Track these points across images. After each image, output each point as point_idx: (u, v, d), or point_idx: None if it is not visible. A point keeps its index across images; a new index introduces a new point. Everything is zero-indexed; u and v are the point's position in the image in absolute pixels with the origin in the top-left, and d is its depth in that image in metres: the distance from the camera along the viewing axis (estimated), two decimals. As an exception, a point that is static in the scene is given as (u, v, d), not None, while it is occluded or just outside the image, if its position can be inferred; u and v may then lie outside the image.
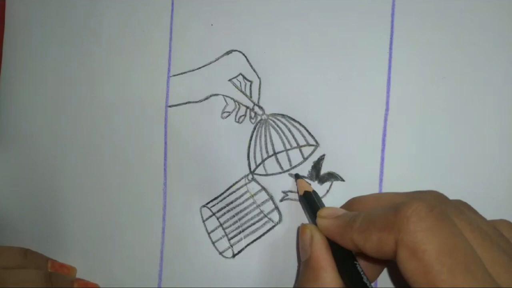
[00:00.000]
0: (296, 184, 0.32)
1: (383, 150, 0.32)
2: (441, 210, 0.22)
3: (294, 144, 0.33)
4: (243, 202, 0.34)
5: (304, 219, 0.32)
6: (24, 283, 0.32)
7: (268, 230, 0.33)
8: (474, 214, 0.25)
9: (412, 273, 0.21)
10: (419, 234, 0.21)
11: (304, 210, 0.32)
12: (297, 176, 0.32)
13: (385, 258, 0.23)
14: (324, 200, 0.32)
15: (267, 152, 0.33)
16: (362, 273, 0.25)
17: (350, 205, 0.29)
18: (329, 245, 0.26)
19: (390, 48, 0.32)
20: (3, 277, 0.31)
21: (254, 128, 0.34)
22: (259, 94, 0.34)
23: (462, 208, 0.25)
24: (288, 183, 0.33)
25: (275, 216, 0.33)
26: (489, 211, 0.30)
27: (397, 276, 0.30)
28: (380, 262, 0.27)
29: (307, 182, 0.32)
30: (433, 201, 0.24)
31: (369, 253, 0.24)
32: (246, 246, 0.33)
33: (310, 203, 0.30)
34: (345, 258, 0.26)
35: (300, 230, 0.28)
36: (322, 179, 0.32)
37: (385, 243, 0.22)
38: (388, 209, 0.23)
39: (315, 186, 0.32)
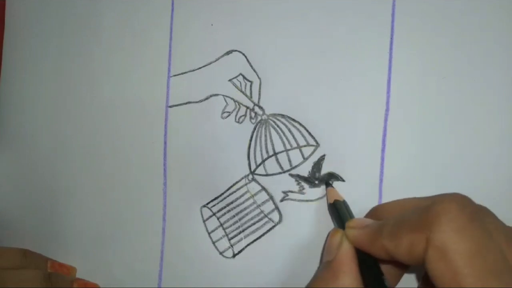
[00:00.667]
0: (326, 193, 0.32)
1: (383, 150, 0.32)
2: (472, 210, 0.22)
3: (294, 144, 0.33)
4: (243, 202, 0.34)
5: (304, 219, 0.32)
6: (24, 283, 0.32)
7: (268, 230, 0.33)
8: (496, 218, 0.25)
9: (440, 274, 0.21)
10: (450, 233, 0.21)
11: (332, 219, 0.32)
12: (327, 185, 0.32)
13: (416, 262, 0.22)
14: (324, 201, 0.32)
15: (267, 152, 0.33)
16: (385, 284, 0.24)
17: (374, 212, 0.29)
18: (356, 255, 0.26)
19: (391, 48, 0.32)
20: (3, 277, 0.31)
21: (254, 128, 0.34)
22: (259, 94, 0.34)
23: (486, 211, 0.24)
24: (288, 183, 0.33)
25: (275, 216, 0.33)
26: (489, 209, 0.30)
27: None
28: (401, 268, 0.27)
29: (337, 191, 0.32)
30: (464, 201, 0.24)
31: (400, 258, 0.23)
32: (246, 246, 0.33)
33: (340, 212, 0.30)
34: (372, 270, 0.25)
35: (331, 232, 0.28)
36: (322, 179, 0.32)
37: (416, 244, 0.22)
38: (418, 210, 0.23)
39: (316, 189, 0.32)
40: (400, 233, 0.23)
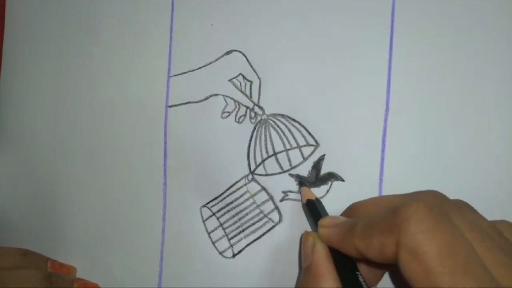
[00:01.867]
0: (300, 192, 0.32)
1: (383, 150, 0.32)
2: (440, 210, 0.22)
3: (294, 144, 0.33)
4: (243, 202, 0.34)
5: (304, 219, 0.32)
6: (24, 283, 0.32)
7: (268, 230, 0.33)
8: (474, 213, 0.25)
9: (414, 275, 0.21)
10: (419, 235, 0.21)
11: (307, 218, 0.32)
12: (300, 184, 0.32)
13: (388, 262, 0.23)
14: (324, 200, 0.32)
15: (267, 152, 0.33)
16: (363, 282, 0.25)
17: (350, 211, 0.29)
18: (330, 254, 0.26)
19: (390, 48, 0.32)
20: (3, 277, 0.31)
21: (254, 128, 0.34)
22: (259, 94, 0.34)
23: (462, 207, 0.25)
24: (288, 183, 0.33)
25: (275, 216, 0.33)
26: (489, 211, 0.30)
27: (396, 279, 0.30)
28: (381, 267, 0.27)
29: (310, 190, 0.32)
30: (432, 201, 0.24)
31: (371, 258, 0.23)
32: (246, 246, 0.33)
33: (313, 211, 0.30)
34: (346, 267, 0.26)
35: (303, 237, 0.28)
36: (322, 179, 0.32)
37: (386, 246, 0.22)
38: (388, 212, 0.23)
39: (315, 189, 0.32)
40: (371, 235, 0.23)
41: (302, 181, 0.33)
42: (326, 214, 0.30)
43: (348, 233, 0.25)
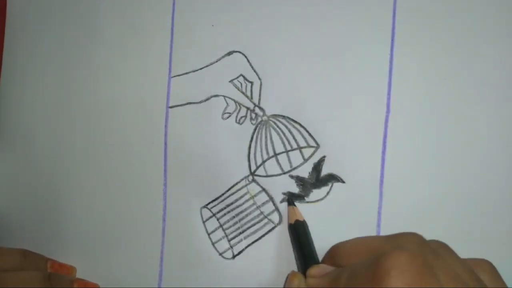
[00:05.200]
0: (287, 211, 0.33)
1: (383, 152, 0.32)
2: (422, 261, 0.22)
3: (295, 146, 0.33)
4: (243, 203, 0.34)
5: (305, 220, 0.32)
6: (24, 284, 0.32)
7: (268, 231, 0.33)
8: (451, 257, 0.25)
9: None
10: None
11: (291, 239, 0.32)
12: (289, 202, 0.33)
13: None
14: (324, 202, 0.32)
15: (267, 153, 0.33)
16: None
17: (331, 255, 0.29)
18: None
19: (391, 50, 0.32)
20: (3, 279, 0.31)
21: (255, 129, 0.34)
22: (259, 95, 0.34)
23: (440, 251, 0.25)
24: (288, 184, 0.33)
25: (275, 217, 0.33)
26: (489, 212, 0.31)
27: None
28: None
29: (298, 210, 0.32)
30: (414, 248, 0.24)
31: None
32: (246, 247, 0.33)
33: (299, 234, 0.31)
34: None
35: (290, 277, 0.29)
36: (322, 181, 0.32)
37: None
38: (369, 263, 0.23)
39: (316, 190, 0.32)
40: (355, 285, 0.23)
41: (289, 200, 0.33)
42: (310, 239, 0.31)
43: (334, 283, 0.25)
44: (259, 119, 0.34)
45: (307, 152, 0.33)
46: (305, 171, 0.33)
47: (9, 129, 0.38)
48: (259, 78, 0.34)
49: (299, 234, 0.31)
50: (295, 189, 0.33)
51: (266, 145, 0.33)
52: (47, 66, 0.37)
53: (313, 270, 0.28)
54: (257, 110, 0.34)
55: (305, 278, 0.28)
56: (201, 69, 0.35)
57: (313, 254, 0.30)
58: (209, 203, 0.34)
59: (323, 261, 0.29)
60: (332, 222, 0.32)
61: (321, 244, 0.32)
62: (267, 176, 0.33)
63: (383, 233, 0.31)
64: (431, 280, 0.22)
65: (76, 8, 0.37)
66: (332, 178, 0.32)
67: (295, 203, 0.33)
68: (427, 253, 0.24)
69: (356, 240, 0.28)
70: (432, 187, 0.31)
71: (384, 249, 0.24)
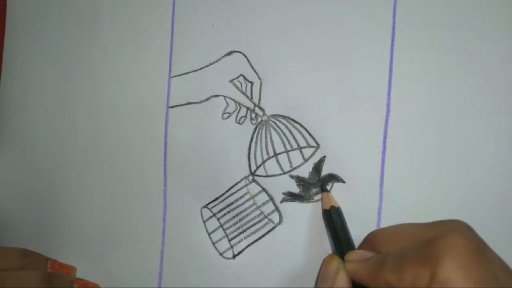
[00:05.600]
0: (321, 197, 0.32)
1: (383, 152, 0.32)
2: (477, 245, 0.21)
3: (295, 146, 0.33)
4: (243, 203, 0.34)
5: (304, 220, 0.32)
6: (24, 284, 0.32)
7: (269, 231, 0.33)
8: (493, 252, 0.24)
9: None
10: (455, 271, 0.21)
11: (325, 225, 0.32)
12: (322, 189, 0.32)
13: None
14: (324, 202, 0.32)
15: (267, 153, 0.33)
16: None
17: (369, 243, 0.28)
18: (351, 285, 0.26)
19: (391, 50, 0.32)
20: (3, 278, 0.31)
21: (255, 129, 0.34)
22: (259, 95, 0.34)
23: (487, 245, 0.24)
24: (289, 184, 0.33)
25: (275, 217, 0.33)
26: (489, 212, 0.31)
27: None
28: None
29: (332, 196, 0.32)
30: (468, 233, 0.23)
31: None
32: (246, 247, 0.34)
33: (334, 221, 0.30)
34: None
35: (327, 259, 0.28)
36: (322, 181, 0.32)
37: (420, 279, 0.22)
38: (423, 244, 0.22)
39: (317, 191, 0.33)
40: (404, 267, 0.22)
41: (323, 186, 0.32)
42: (346, 225, 0.30)
43: (378, 267, 0.24)
44: (259, 119, 0.34)
45: (307, 152, 0.33)
46: (305, 171, 0.33)
47: (9, 129, 0.38)
48: (259, 78, 0.34)
49: (334, 220, 0.30)
50: (295, 189, 0.33)
51: (266, 145, 0.33)
52: (47, 66, 0.37)
53: (352, 255, 0.27)
54: (257, 110, 0.34)
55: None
56: (201, 69, 0.35)
57: (350, 240, 0.30)
58: (209, 203, 0.34)
59: (361, 248, 0.29)
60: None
61: (322, 243, 0.32)
62: (267, 176, 0.33)
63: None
64: (485, 264, 0.21)
65: (76, 8, 0.37)
66: (333, 178, 0.32)
67: (295, 202, 0.33)
68: (480, 242, 0.23)
69: (397, 227, 0.28)
70: (432, 187, 0.31)
71: (430, 235, 0.23)
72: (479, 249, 0.21)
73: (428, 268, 0.21)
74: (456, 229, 0.24)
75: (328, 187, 0.32)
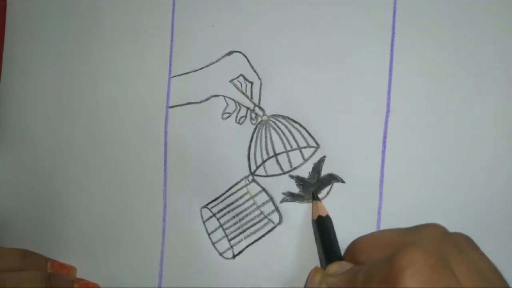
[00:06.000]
0: (312, 206, 0.32)
1: (383, 152, 0.32)
2: (437, 258, 0.21)
3: (295, 146, 0.33)
4: (243, 203, 0.34)
5: (304, 220, 0.32)
6: (24, 284, 0.32)
7: (269, 231, 0.33)
8: (475, 251, 0.24)
9: None
10: None
11: (314, 233, 0.32)
12: (313, 197, 0.32)
13: None
14: (324, 202, 0.32)
15: (267, 153, 0.33)
16: None
17: (351, 250, 0.29)
18: None
19: (391, 50, 0.32)
20: (3, 279, 0.31)
21: (255, 129, 0.34)
22: (259, 95, 0.34)
23: (462, 245, 0.24)
24: (288, 184, 0.33)
25: (275, 217, 0.33)
26: (489, 212, 0.31)
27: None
28: None
29: (323, 205, 0.32)
30: (430, 244, 0.24)
31: None
32: (246, 247, 0.34)
33: (321, 231, 0.31)
34: None
35: (312, 272, 0.29)
36: (322, 181, 0.32)
37: None
38: (385, 261, 0.23)
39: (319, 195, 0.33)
40: (370, 284, 0.23)
41: (314, 194, 0.32)
42: (334, 234, 0.30)
43: (352, 282, 0.25)
44: (259, 119, 0.34)
45: (307, 152, 0.33)
46: (305, 171, 0.33)
47: (9, 129, 0.38)
48: (259, 78, 0.34)
49: (321, 229, 0.31)
50: (295, 189, 0.33)
51: (266, 145, 0.33)
52: (47, 66, 0.37)
53: (332, 268, 0.28)
54: (257, 110, 0.34)
55: None
56: (201, 69, 0.35)
57: (334, 250, 0.30)
58: (209, 203, 0.34)
59: (345, 257, 0.29)
60: (333, 222, 0.32)
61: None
62: (267, 176, 0.33)
63: (383, 233, 0.31)
64: (448, 278, 0.21)
65: (76, 8, 0.37)
66: (332, 178, 0.32)
67: (295, 202, 0.33)
68: (448, 246, 0.23)
69: (376, 234, 0.28)
70: (432, 187, 0.31)
71: (405, 242, 0.23)
72: (439, 262, 0.21)
73: (390, 286, 0.21)
74: (418, 241, 0.24)
75: (328, 188, 0.32)
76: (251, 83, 0.34)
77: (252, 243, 0.33)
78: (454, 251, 0.23)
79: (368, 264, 0.25)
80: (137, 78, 0.36)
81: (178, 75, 0.35)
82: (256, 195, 0.34)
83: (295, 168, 0.33)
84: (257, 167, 0.34)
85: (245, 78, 0.34)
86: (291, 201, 0.33)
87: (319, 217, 0.31)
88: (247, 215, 0.34)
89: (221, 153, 0.34)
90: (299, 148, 0.33)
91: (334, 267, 0.28)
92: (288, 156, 0.33)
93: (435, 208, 0.31)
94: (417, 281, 0.21)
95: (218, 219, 0.34)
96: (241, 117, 0.34)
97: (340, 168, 0.32)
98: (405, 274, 0.21)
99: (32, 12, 0.38)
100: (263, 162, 0.33)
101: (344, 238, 0.30)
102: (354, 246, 0.29)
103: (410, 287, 0.21)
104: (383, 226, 0.31)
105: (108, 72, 0.36)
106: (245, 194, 0.34)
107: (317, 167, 0.33)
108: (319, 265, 0.31)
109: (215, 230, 0.34)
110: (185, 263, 0.34)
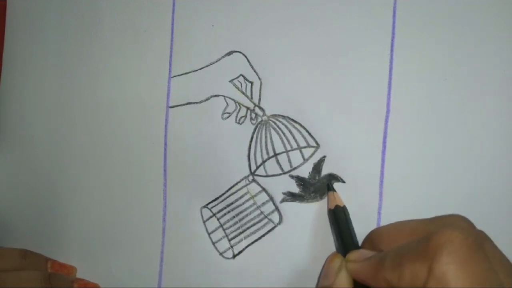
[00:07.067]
0: (327, 196, 0.32)
1: (383, 152, 0.32)
2: (474, 239, 0.21)
3: (295, 145, 0.33)
4: (243, 203, 0.34)
5: (304, 220, 0.32)
6: (24, 284, 0.32)
7: (269, 231, 0.33)
8: (494, 245, 0.24)
9: None
10: (451, 266, 0.21)
11: (330, 224, 0.32)
12: (328, 188, 0.32)
13: None
14: (324, 202, 0.32)
15: (267, 153, 0.33)
16: None
17: (371, 240, 0.29)
18: (353, 284, 0.27)
19: (391, 50, 0.32)
20: (3, 279, 0.31)
21: (255, 129, 0.34)
22: (259, 95, 0.34)
23: (486, 236, 0.24)
24: (288, 184, 0.33)
25: (275, 217, 0.33)
26: (489, 212, 0.31)
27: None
28: None
29: (338, 196, 0.32)
30: (466, 227, 0.23)
31: None
32: (246, 247, 0.34)
33: (339, 220, 0.30)
34: None
35: (330, 257, 0.29)
36: (322, 181, 0.32)
37: (418, 275, 0.22)
38: (420, 240, 0.22)
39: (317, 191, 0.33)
40: (402, 264, 0.23)
41: (329, 185, 0.32)
42: (351, 224, 0.30)
43: (378, 266, 0.24)
44: (259, 119, 0.34)
45: (307, 152, 0.33)
46: (305, 171, 0.33)
47: (9, 129, 0.38)
48: (259, 78, 0.34)
49: (338, 219, 0.30)
50: (295, 189, 0.33)
51: (266, 145, 0.33)
52: (47, 66, 0.37)
53: (353, 255, 0.27)
54: (257, 110, 0.34)
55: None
56: (201, 69, 0.35)
57: (353, 239, 0.30)
58: (209, 203, 0.34)
59: (363, 247, 0.29)
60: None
61: (322, 243, 0.32)
62: (267, 176, 0.33)
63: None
64: (484, 260, 0.21)
65: (76, 8, 0.37)
66: (332, 178, 0.32)
67: (295, 202, 0.33)
68: (477, 235, 0.23)
69: (397, 224, 0.28)
70: (432, 187, 0.31)
71: (429, 230, 0.23)
72: (476, 243, 0.21)
73: (425, 264, 0.21)
74: (453, 224, 0.24)
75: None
76: (251, 83, 0.34)
77: (252, 243, 0.33)
78: (483, 240, 0.23)
79: (396, 248, 0.24)
80: (137, 78, 0.36)
81: (178, 75, 0.35)
82: (256, 195, 0.34)
83: (295, 168, 0.33)
84: (257, 167, 0.34)
85: (245, 78, 0.34)
86: (291, 201, 0.33)
87: (336, 206, 0.31)
88: (247, 215, 0.34)
89: (221, 153, 0.34)
90: (299, 148, 0.33)
91: (355, 254, 0.27)
92: (288, 156, 0.33)
93: (435, 208, 0.31)
94: (455, 260, 0.21)
95: (218, 219, 0.34)
96: (241, 117, 0.34)
97: (340, 168, 0.32)
98: (443, 252, 0.21)
99: (32, 12, 0.38)
100: (263, 162, 0.33)
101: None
102: (374, 235, 0.28)
103: (448, 265, 0.21)
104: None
105: (108, 72, 0.36)
106: (245, 194, 0.34)
107: (317, 167, 0.33)
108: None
109: (215, 230, 0.34)
110: (185, 263, 0.34)
